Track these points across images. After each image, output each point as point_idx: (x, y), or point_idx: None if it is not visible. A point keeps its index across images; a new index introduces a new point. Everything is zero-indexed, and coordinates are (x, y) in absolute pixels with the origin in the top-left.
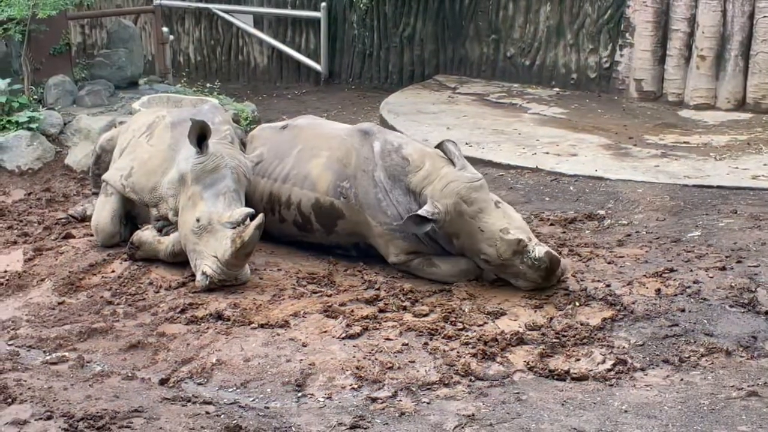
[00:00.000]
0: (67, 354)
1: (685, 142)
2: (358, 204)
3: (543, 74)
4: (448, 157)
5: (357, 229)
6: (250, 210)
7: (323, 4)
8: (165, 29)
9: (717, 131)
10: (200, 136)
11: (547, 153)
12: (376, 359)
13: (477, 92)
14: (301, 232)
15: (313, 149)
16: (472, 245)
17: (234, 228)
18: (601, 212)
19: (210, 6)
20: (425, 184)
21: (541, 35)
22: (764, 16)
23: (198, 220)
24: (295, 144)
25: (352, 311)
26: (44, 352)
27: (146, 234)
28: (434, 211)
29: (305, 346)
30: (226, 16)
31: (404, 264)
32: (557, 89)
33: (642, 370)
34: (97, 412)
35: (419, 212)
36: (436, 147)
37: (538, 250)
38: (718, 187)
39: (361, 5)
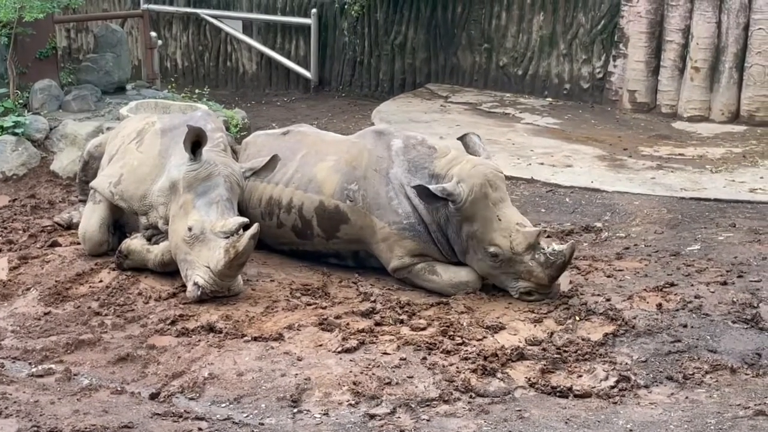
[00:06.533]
0: (53, 366)
1: (680, 154)
2: (365, 206)
3: (536, 84)
4: (471, 149)
5: (360, 235)
6: (245, 219)
7: (313, 10)
8: (153, 34)
9: (712, 143)
10: (195, 143)
11: (542, 164)
12: (373, 374)
13: (469, 101)
14: (300, 239)
15: (318, 153)
16: (485, 233)
17: (227, 237)
18: (598, 224)
19: (198, 11)
20: (452, 166)
21: (534, 45)
22: (759, 28)
23: (190, 229)
24: (299, 149)
25: (348, 324)
26: (30, 364)
27: (135, 243)
28: (454, 190)
29: (300, 360)
30: (215, 21)
31: (406, 269)
32: (550, 99)
33: (646, 387)
34: (86, 428)
35: (431, 187)
36: (458, 139)
37: (556, 245)
38: (716, 200)
39: (353, 12)
